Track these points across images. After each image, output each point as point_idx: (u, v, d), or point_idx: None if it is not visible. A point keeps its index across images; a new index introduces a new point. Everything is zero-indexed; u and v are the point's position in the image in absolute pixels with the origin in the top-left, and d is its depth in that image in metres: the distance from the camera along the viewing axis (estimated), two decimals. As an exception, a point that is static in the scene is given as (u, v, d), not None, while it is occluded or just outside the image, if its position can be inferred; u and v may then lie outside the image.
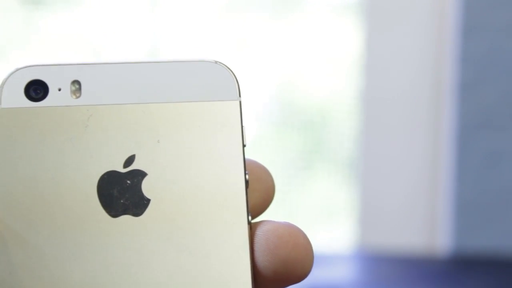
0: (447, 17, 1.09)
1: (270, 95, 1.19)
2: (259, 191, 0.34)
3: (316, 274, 0.97)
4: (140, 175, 0.33)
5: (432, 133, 1.11)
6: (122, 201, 0.33)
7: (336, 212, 1.21)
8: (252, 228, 0.33)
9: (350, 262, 1.07)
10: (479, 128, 1.08)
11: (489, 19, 1.07)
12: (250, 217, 0.33)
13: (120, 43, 1.15)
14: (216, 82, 0.34)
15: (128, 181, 0.33)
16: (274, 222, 0.33)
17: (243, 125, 0.34)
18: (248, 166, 0.34)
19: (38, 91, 0.33)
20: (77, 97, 0.33)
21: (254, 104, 1.18)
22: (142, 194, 0.33)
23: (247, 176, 0.33)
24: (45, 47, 1.16)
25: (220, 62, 0.34)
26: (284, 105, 1.20)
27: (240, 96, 0.34)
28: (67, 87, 0.33)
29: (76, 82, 0.33)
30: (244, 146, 0.33)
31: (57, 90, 0.33)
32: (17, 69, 0.33)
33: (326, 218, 1.22)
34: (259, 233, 0.32)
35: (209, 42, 1.16)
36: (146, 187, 0.33)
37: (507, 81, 1.08)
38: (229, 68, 0.34)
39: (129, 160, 0.33)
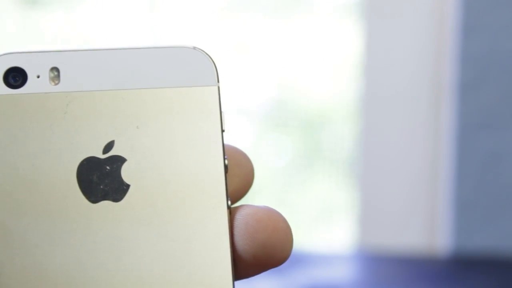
0: (447, 17, 1.09)
1: (270, 95, 1.19)
2: (238, 176, 0.34)
3: (316, 274, 0.97)
4: (119, 161, 0.33)
5: (432, 133, 1.11)
6: (101, 186, 0.33)
7: (336, 212, 1.21)
8: (231, 212, 0.33)
9: (350, 262, 1.07)
10: (479, 128, 1.08)
11: (489, 19, 1.07)
12: (229, 202, 0.33)
13: (118, 43, 1.15)
14: (194, 68, 0.34)
15: (108, 167, 0.33)
16: (253, 206, 0.33)
17: (222, 110, 0.34)
18: (228, 152, 0.34)
19: (17, 78, 0.33)
20: (56, 84, 0.33)
21: (254, 105, 1.18)
22: (122, 180, 0.33)
23: (226, 161, 0.33)
24: (42, 47, 1.16)
25: (198, 48, 0.34)
26: (284, 106, 1.20)
27: (218, 81, 0.34)
28: (45, 74, 0.33)
29: (55, 69, 0.33)
30: (223, 131, 0.33)
31: (36, 77, 0.33)
32: None
33: (326, 218, 1.22)
34: (239, 217, 0.33)
35: (209, 44, 1.16)
36: (126, 173, 0.33)
37: (507, 81, 1.07)
38: (207, 54, 0.34)
39: (108, 146, 0.33)
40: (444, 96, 1.10)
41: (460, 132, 1.08)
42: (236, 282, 0.33)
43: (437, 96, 1.11)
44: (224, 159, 0.33)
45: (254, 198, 1.09)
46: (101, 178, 0.33)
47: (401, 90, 1.11)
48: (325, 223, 1.21)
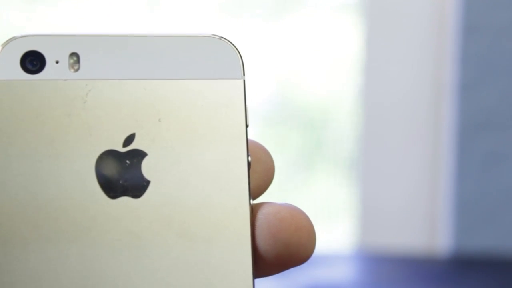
0: (447, 17, 1.09)
1: (271, 94, 1.19)
2: (259, 173, 0.33)
3: (316, 274, 0.96)
4: (140, 155, 0.32)
5: (432, 133, 1.11)
6: (121, 182, 0.31)
7: (336, 212, 1.21)
8: (253, 210, 0.32)
9: (350, 262, 1.07)
10: (479, 128, 1.08)
11: (489, 19, 1.07)
12: (251, 201, 0.32)
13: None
14: (220, 59, 0.32)
15: (128, 161, 0.32)
16: (275, 204, 0.32)
17: (247, 105, 0.32)
18: (248, 147, 0.33)
19: (35, 63, 0.32)
20: (76, 71, 0.32)
21: (255, 103, 1.18)
22: (142, 175, 0.32)
23: (249, 158, 0.32)
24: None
25: (225, 39, 0.33)
26: (284, 105, 1.20)
27: (244, 75, 0.33)
28: (65, 60, 0.32)
29: (75, 55, 0.32)
30: (247, 126, 0.32)
31: (55, 63, 0.32)
32: (13, 38, 0.32)
33: (326, 218, 1.21)
34: (261, 216, 0.32)
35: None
36: (146, 168, 0.32)
37: (507, 81, 1.07)
38: (234, 45, 0.33)
39: (129, 139, 0.32)
40: (444, 96, 1.09)
41: (460, 132, 1.08)
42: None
43: (437, 96, 1.10)
44: (248, 155, 0.32)
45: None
46: (121, 173, 0.31)
47: (401, 90, 1.11)
48: (325, 223, 1.21)
